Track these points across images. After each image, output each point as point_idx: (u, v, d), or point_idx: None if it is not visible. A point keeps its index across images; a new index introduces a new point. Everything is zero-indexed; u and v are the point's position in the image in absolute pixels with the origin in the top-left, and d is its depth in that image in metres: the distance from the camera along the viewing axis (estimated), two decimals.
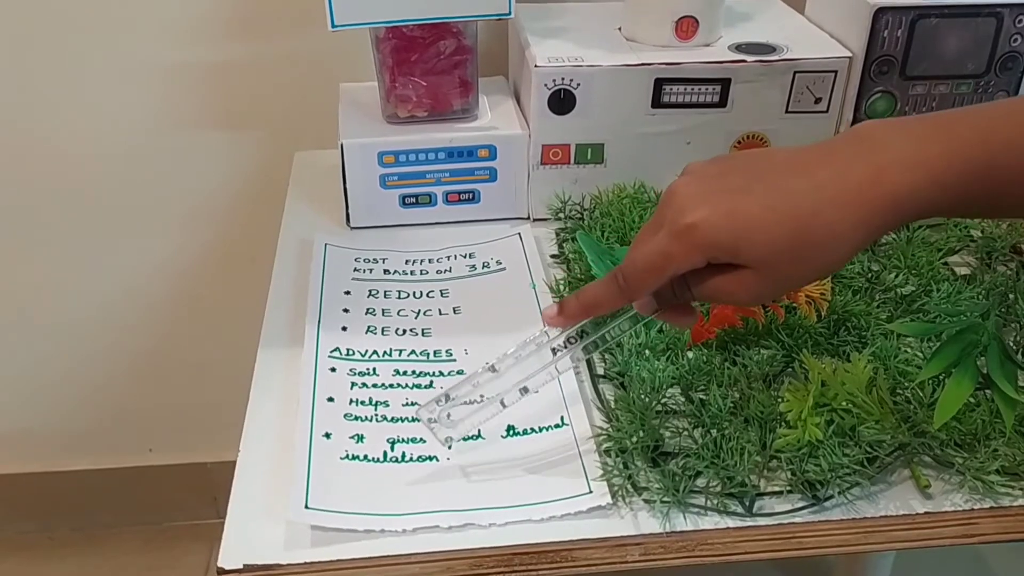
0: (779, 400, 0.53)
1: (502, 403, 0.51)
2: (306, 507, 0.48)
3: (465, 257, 0.72)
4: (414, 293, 0.68)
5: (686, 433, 0.53)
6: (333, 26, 0.69)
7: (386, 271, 0.70)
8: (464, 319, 0.65)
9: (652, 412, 0.53)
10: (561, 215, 0.75)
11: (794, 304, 0.58)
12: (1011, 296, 0.62)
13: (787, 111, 0.76)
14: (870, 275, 0.65)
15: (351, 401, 0.56)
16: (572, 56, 0.73)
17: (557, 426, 0.55)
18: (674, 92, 0.74)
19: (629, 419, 0.52)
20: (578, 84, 0.73)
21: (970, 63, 0.74)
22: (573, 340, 0.51)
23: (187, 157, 0.98)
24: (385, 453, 0.53)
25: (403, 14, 0.70)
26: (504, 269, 0.70)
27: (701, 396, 0.55)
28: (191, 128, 0.96)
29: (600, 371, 0.59)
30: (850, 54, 0.74)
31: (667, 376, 0.55)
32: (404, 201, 0.76)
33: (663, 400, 0.55)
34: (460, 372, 0.59)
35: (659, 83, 0.73)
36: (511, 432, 0.54)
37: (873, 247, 0.70)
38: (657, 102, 0.74)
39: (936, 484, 0.51)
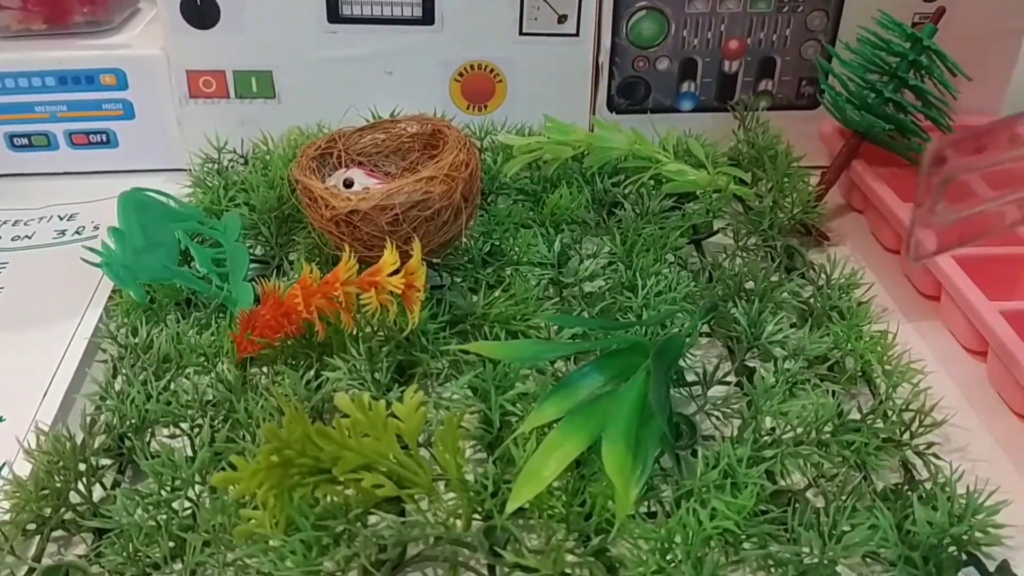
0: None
1: None
2: None
3: (63, 219, 0.54)
4: None
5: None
6: None
7: None
8: None
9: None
10: (214, 165, 0.56)
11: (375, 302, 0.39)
12: (733, 302, 0.42)
13: (521, 33, 0.56)
14: (555, 262, 0.45)
15: None
16: None
17: None
18: (356, 1, 0.54)
19: (37, 482, 0.34)
20: None
21: None
22: None
23: None
24: None
25: None
26: (96, 236, 0.52)
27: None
28: None
29: None
30: None
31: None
32: (13, 143, 0.58)
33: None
34: None
35: None
36: None
37: (605, 218, 0.50)
38: (335, 16, 0.55)
39: None
